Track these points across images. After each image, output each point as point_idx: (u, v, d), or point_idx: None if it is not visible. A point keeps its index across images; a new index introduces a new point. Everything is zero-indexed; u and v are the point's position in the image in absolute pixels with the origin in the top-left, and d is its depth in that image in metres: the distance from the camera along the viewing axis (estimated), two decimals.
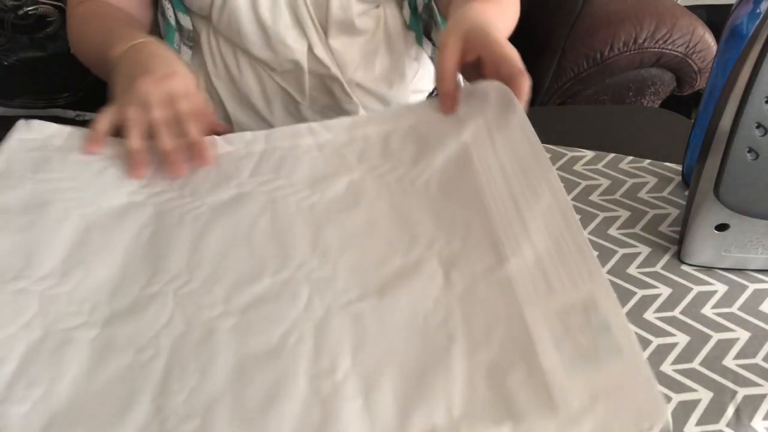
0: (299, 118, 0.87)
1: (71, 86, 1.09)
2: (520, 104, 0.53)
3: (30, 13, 1.02)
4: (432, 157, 0.57)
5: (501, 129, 0.55)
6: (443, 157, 0.56)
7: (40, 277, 0.48)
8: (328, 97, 0.85)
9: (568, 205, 0.46)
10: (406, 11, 0.86)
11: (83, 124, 0.61)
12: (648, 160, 0.60)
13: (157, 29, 0.86)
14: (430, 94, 0.92)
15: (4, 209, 0.53)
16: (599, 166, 0.60)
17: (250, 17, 0.79)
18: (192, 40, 0.85)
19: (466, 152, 0.56)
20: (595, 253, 0.44)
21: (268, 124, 0.86)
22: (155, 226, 0.53)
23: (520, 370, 0.40)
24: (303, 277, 0.48)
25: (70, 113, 1.10)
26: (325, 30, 0.81)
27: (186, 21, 0.83)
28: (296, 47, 0.81)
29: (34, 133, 0.60)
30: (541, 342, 0.41)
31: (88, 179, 0.57)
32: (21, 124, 0.61)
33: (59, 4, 1.03)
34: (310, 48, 0.81)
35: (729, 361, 0.43)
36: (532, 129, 0.53)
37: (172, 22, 0.82)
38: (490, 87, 0.57)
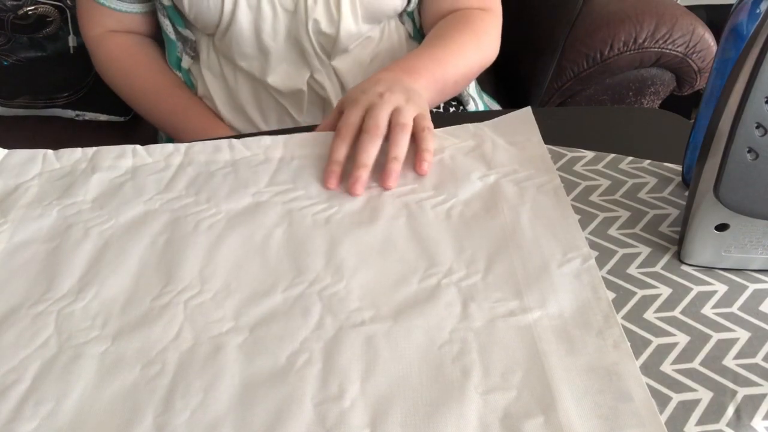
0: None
1: (71, 86, 1.09)
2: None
3: (30, 13, 1.02)
4: (455, 189, 0.57)
5: (533, 182, 0.57)
6: (468, 191, 0.56)
7: (58, 298, 0.48)
8: (324, 114, 0.87)
9: (598, 277, 0.48)
10: (408, 24, 0.87)
11: (83, 123, 0.61)
12: (648, 161, 0.61)
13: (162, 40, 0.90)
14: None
15: (33, 240, 0.53)
16: (599, 166, 0.60)
17: (252, 42, 0.80)
18: (194, 50, 0.87)
19: (493, 194, 0.56)
20: (621, 323, 0.45)
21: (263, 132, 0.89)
22: (170, 234, 0.53)
23: (537, 420, 0.39)
24: (315, 294, 0.48)
25: (70, 113, 1.10)
26: (328, 56, 0.82)
27: (188, 32, 0.86)
28: (296, 73, 0.82)
29: (63, 161, 0.62)
30: (560, 396, 0.40)
31: (108, 196, 0.57)
32: (49, 155, 0.62)
33: (59, 4, 1.03)
34: (311, 74, 0.83)
35: (729, 361, 0.43)
36: (563, 189, 0.56)
37: (173, 37, 0.86)
38: (526, 140, 0.60)
